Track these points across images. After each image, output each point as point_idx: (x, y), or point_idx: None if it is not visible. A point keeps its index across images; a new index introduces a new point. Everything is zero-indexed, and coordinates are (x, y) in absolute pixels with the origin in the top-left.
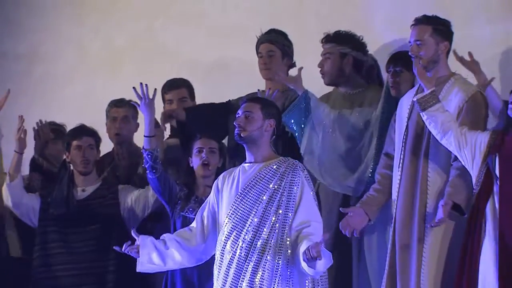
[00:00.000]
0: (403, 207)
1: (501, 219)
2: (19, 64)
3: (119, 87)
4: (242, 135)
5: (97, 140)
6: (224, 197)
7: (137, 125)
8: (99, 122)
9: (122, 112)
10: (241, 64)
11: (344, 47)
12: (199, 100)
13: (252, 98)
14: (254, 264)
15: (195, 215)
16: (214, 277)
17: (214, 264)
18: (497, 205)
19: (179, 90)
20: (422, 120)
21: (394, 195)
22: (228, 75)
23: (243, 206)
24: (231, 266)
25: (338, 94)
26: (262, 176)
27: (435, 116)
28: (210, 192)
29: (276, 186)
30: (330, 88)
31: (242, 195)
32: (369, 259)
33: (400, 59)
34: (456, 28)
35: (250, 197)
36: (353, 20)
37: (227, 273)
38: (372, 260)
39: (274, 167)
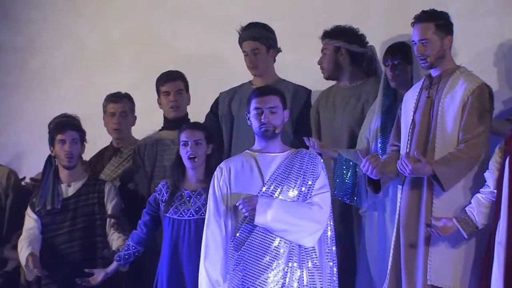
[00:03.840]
0: (408, 203)
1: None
2: (16, 56)
3: (115, 79)
4: (276, 131)
5: (82, 134)
6: (237, 188)
7: (135, 118)
8: (96, 114)
9: (119, 107)
10: (237, 57)
11: (337, 41)
12: (195, 92)
13: (269, 90)
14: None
15: (179, 216)
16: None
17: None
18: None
19: (176, 83)
20: (429, 114)
21: (399, 188)
22: (224, 68)
23: (277, 193)
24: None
25: (339, 88)
26: (289, 165)
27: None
28: (199, 184)
29: (302, 175)
30: (323, 83)
31: (271, 184)
32: (368, 245)
33: (398, 52)
34: (451, 19)
35: (281, 184)
36: (349, 14)
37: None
38: (371, 244)
39: (298, 157)
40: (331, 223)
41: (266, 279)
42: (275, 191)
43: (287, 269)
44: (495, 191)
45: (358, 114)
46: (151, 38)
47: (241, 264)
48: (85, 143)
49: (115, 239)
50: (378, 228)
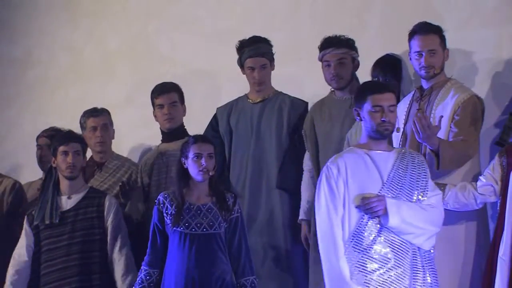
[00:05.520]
0: None
1: None
2: (13, 68)
3: (112, 91)
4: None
5: (84, 146)
6: (355, 187)
7: (113, 131)
8: None
9: (101, 120)
10: (234, 69)
11: (354, 52)
12: (191, 105)
13: (387, 87)
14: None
15: (191, 230)
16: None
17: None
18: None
19: (170, 95)
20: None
21: None
22: (221, 80)
23: (397, 193)
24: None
25: (334, 100)
26: (403, 165)
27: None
28: (208, 198)
29: (416, 177)
30: (319, 94)
31: (390, 184)
32: None
33: (389, 68)
34: (448, 31)
35: (399, 184)
36: (347, 25)
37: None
38: None
39: (407, 157)
40: None
41: (394, 281)
42: (395, 192)
43: (414, 271)
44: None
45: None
46: (148, 50)
47: (367, 265)
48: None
49: (117, 260)
50: None
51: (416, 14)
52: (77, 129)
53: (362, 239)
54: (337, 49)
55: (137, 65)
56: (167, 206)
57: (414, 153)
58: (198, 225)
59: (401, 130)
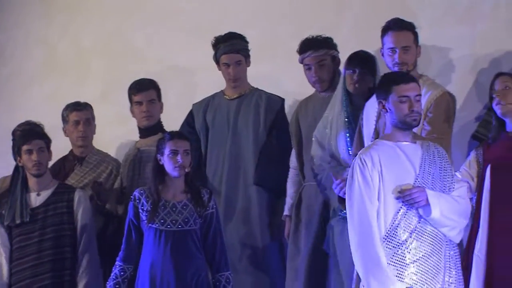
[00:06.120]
0: None
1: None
2: None
3: (87, 87)
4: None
5: (47, 141)
6: (389, 178)
7: (95, 126)
8: None
9: (84, 115)
10: (210, 65)
11: (334, 51)
12: (167, 101)
13: (411, 76)
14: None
15: (167, 226)
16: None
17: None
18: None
19: (148, 92)
20: None
21: None
22: (197, 76)
23: (430, 185)
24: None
25: (318, 98)
26: (431, 157)
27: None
28: (184, 195)
29: (443, 169)
30: (295, 91)
31: (423, 176)
32: (341, 260)
33: (365, 61)
34: (423, 29)
35: (431, 176)
36: (322, 23)
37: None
38: (344, 261)
39: (431, 149)
40: None
41: (429, 272)
42: (428, 183)
43: (447, 264)
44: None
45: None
46: (123, 46)
47: (404, 257)
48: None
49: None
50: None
51: (391, 12)
52: (51, 124)
53: (398, 232)
54: (316, 52)
55: (112, 61)
56: (142, 202)
57: (436, 145)
58: (173, 221)
59: (374, 127)
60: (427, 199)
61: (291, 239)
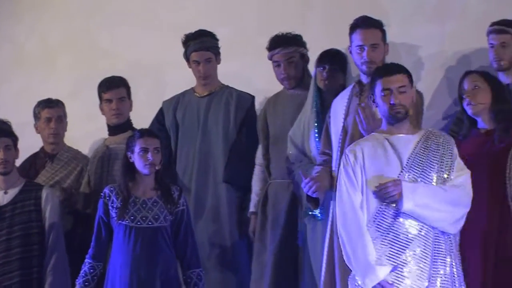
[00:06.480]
0: None
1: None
2: None
3: (54, 85)
4: (408, 114)
5: (14, 139)
6: (373, 172)
7: (67, 123)
8: None
9: (56, 112)
10: (180, 63)
11: (303, 48)
12: (136, 98)
13: (396, 67)
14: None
15: (137, 223)
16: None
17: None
18: None
19: (118, 90)
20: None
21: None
22: (167, 74)
23: (418, 175)
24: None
25: (287, 95)
26: (425, 148)
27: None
28: (154, 192)
29: (440, 158)
30: (265, 89)
31: (410, 168)
32: (312, 257)
33: (336, 57)
34: (393, 26)
35: (421, 166)
36: (292, 21)
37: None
38: (315, 257)
39: (432, 138)
40: None
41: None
42: (415, 175)
43: (435, 257)
44: None
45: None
46: (90, 44)
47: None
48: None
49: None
50: (321, 233)
51: (361, 10)
52: (20, 122)
53: (380, 225)
54: (285, 49)
55: (80, 58)
56: (112, 199)
57: (439, 133)
58: (144, 218)
59: (342, 125)
60: (401, 192)
61: (258, 236)
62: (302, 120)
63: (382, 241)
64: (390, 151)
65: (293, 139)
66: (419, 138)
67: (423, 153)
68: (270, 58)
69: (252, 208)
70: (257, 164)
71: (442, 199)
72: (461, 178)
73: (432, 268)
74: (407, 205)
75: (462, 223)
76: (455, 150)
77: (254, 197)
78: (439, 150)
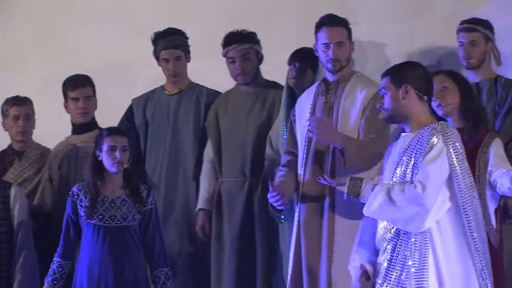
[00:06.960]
0: (308, 223)
1: None
2: None
3: (24, 83)
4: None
5: None
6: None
7: (35, 120)
8: None
9: (24, 110)
10: (149, 61)
11: (258, 46)
12: (105, 97)
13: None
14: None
15: (105, 222)
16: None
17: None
18: None
19: (85, 89)
20: (329, 119)
21: (296, 207)
22: (136, 72)
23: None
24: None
25: (240, 93)
26: (409, 144)
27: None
28: (122, 191)
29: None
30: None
31: (391, 169)
32: (284, 252)
33: (307, 56)
34: (361, 24)
35: (394, 169)
36: (260, 20)
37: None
38: (284, 249)
39: (419, 135)
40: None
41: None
42: (395, 177)
43: (395, 259)
44: None
45: (264, 120)
46: (59, 42)
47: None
48: None
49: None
50: (290, 236)
51: (329, 8)
52: None
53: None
54: (241, 45)
55: (49, 57)
56: (81, 198)
57: (432, 133)
58: (112, 217)
59: (307, 124)
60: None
61: (214, 235)
62: (278, 119)
63: None
64: (395, 152)
65: (271, 138)
66: (411, 137)
67: (402, 153)
68: (225, 55)
69: (200, 205)
70: (206, 161)
71: (393, 199)
72: (424, 173)
73: (390, 268)
74: (364, 210)
75: (423, 221)
76: (430, 143)
77: (203, 194)
78: (415, 149)
